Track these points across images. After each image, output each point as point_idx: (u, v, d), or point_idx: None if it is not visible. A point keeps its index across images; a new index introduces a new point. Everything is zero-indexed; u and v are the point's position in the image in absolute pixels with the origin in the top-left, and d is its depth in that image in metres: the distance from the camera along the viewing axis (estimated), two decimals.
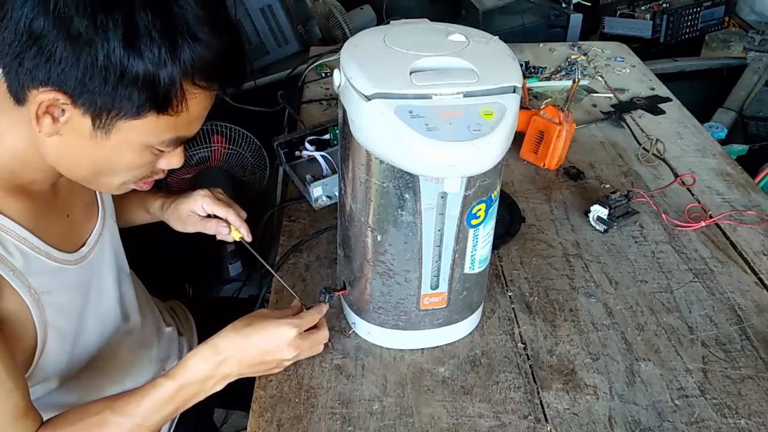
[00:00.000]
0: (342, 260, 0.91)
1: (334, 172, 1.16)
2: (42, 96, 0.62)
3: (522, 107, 0.88)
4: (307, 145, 1.22)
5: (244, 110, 1.57)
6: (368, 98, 0.68)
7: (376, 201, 0.76)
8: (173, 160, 0.76)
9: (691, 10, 2.11)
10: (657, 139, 1.31)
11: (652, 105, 1.51)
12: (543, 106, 1.26)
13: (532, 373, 0.86)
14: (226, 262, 1.79)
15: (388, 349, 0.89)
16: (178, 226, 1.01)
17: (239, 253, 1.80)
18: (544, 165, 1.27)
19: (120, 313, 0.94)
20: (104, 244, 0.88)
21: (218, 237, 0.98)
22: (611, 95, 1.56)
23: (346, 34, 1.99)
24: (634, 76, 1.65)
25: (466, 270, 0.83)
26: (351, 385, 0.84)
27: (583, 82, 1.60)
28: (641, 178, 1.26)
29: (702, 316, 0.95)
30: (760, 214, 1.16)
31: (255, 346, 0.78)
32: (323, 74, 1.65)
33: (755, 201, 1.20)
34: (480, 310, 0.93)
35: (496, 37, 0.79)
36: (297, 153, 1.23)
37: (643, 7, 2.10)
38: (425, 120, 0.66)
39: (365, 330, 0.90)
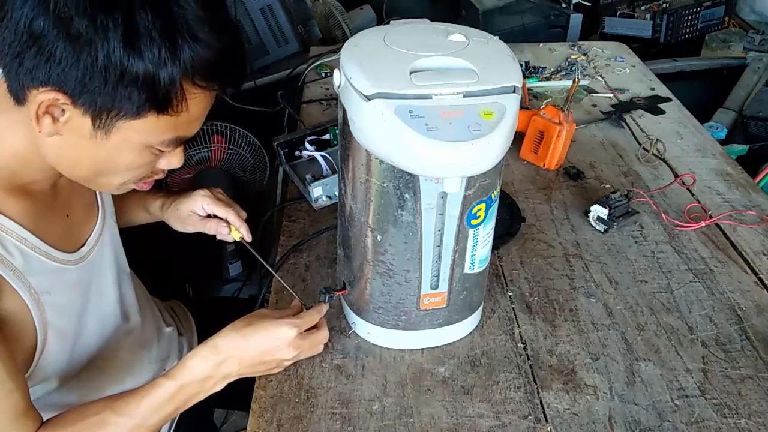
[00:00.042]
0: (342, 260, 0.91)
1: (334, 172, 1.16)
2: (42, 96, 0.62)
3: (522, 107, 0.88)
4: (307, 145, 1.22)
5: (244, 110, 1.57)
6: (368, 98, 0.68)
7: (376, 201, 0.76)
8: (173, 160, 0.76)
9: (691, 10, 2.11)
10: (657, 139, 1.31)
11: (652, 105, 1.51)
12: (543, 106, 1.26)
13: (532, 373, 0.86)
14: (226, 262, 1.79)
15: (388, 349, 0.89)
16: (178, 226, 1.01)
17: (239, 253, 1.80)
18: (544, 165, 1.27)
19: (120, 313, 0.94)
20: (104, 244, 0.88)
21: (218, 237, 0.98)
22: (611, 95, 1.55)
23: (346, 34, 1.99)
24: (634, 76, 1.65)
25: (466, 270, 0.83)
26: (351, 385, 0.84)
27: (583, 82, 1.60)
28: (641, 178, 1.26)
29: (702, 316, 0.95)
30: (760, 214, 1.16)
31: (255, 346, 0.78)
32: (323, 74, 1.65)
33: (755, 201, 1.20)
34: (480, 310, 0.93)
35: (496, 37, 0.79)
36: (297, 153, 1.23)
37: (643, 7, 2.10)
38: (425, 120, 0.66)
39: (365, 330, 0.90)
